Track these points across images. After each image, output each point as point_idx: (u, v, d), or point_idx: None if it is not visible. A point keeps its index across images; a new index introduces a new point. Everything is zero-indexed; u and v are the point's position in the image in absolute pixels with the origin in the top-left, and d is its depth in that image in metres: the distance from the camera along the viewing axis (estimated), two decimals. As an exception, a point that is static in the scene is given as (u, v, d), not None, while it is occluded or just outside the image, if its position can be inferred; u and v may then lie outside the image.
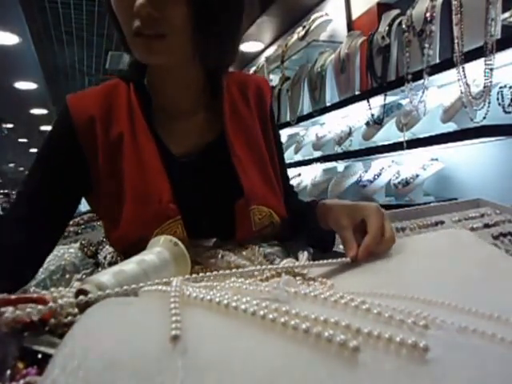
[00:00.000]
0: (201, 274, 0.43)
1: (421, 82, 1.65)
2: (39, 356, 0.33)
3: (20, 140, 10.55)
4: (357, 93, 2.13)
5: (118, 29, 0.65)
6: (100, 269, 0.86)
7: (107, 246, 0.89)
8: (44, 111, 7.57)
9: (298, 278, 0.46)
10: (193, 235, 0.65)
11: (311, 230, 0.72)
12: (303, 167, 2.70)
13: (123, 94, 0.71)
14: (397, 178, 1.91)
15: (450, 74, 1.55)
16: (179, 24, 0.60)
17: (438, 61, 1.62)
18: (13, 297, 0.37)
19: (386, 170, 2.02)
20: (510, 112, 1.49)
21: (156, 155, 0.67)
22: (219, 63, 0.70)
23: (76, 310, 0.38)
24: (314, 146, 2.56)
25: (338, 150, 2.34)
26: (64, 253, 0.86)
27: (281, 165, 0.81)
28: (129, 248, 0.59)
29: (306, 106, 2.62)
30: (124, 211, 0.66)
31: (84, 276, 0.84)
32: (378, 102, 1.99)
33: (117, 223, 0.66)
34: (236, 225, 0.68)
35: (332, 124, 2.48)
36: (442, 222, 0.76)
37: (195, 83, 0.73)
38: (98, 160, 0.68)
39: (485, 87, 1.41)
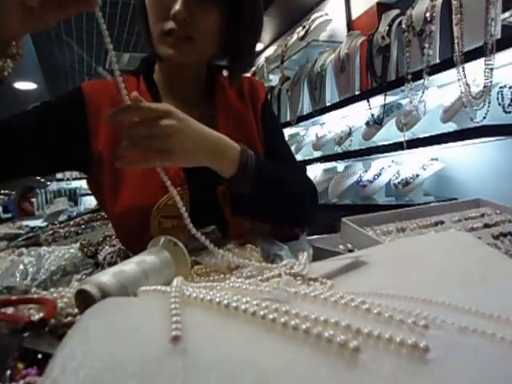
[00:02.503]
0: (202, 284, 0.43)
1: (421, 81, 1.65)
2: (39, 356, 0.32)
3: (20, 140, 10.53)
4: (357, 93, 2.13)
5: (144, 24, 0.70)
6: (100, 269, 0.86)
7: (107, 246, 0.89)
8: (44, 111, 7.55)
9: (297, 278, 0.45)
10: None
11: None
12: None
13: (132, 86, 0.74)
14: (397, 178, 1.91)
15: (450, 74, 1.55)
16: (208, 31, 0.66)
17: (438, 61, 1.62)
18: (13, 297, 0.37)
19: (386, 169, 2.03)
20: (510, 112, 1.49)
21: None
22: (239, 68, 0.77)
23: (76, 310, 0.39)
24: (314, 145, 2.56)
25: (338, 149, 2.34)
26: (64, 253, 0.86)
27: (282, 146, 0.85)
28: (130, 224, 0.59)
29: (306, 106, 2.62)
30: (128, 180, 0.67)
31: (84, 276, 0.84)
32: (377, 101, 1.99)
33: (119, 194, 0.67)
34: (228, 219, 0.69)
35: (332, 124, 2.49)
36: (442, 222, 0.76)
37: (201, 81, 0.79)
38: (100, 131, 0.70)
39: (485, 87, 1.41)
